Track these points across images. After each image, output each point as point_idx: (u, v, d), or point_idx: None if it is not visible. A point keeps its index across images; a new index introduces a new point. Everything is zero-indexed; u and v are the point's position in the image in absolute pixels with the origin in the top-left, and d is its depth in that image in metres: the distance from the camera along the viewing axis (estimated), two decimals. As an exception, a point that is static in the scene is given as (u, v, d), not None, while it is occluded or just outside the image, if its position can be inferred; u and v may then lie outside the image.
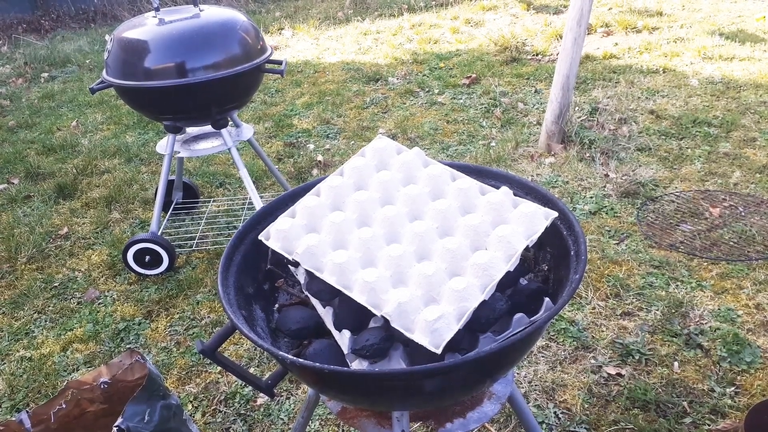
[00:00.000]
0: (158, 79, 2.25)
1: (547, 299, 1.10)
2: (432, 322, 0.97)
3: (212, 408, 1.93)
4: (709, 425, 1.72)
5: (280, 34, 6.16)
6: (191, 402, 1.95)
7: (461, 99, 4.14)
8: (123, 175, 3.46)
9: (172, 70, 2.24)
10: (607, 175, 3.00)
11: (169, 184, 2.89)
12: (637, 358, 1.96)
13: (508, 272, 1.07)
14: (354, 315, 1.10)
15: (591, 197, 2.85)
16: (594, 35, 5.09)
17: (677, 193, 2.84)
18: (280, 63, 2.50)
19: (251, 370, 2.05)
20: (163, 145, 2.56)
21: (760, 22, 4.96)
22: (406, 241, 1.13)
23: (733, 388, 1.82)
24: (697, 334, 2.02)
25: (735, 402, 1.78)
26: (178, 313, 2.35)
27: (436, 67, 4.79)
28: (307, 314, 1.19)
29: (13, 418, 1.45)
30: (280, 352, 0.95)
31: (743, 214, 2.65)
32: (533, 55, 4.84)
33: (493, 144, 3.47)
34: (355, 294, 1.05)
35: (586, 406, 1.82)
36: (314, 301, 1.18)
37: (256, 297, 1.22)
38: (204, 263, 2.63)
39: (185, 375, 2.06)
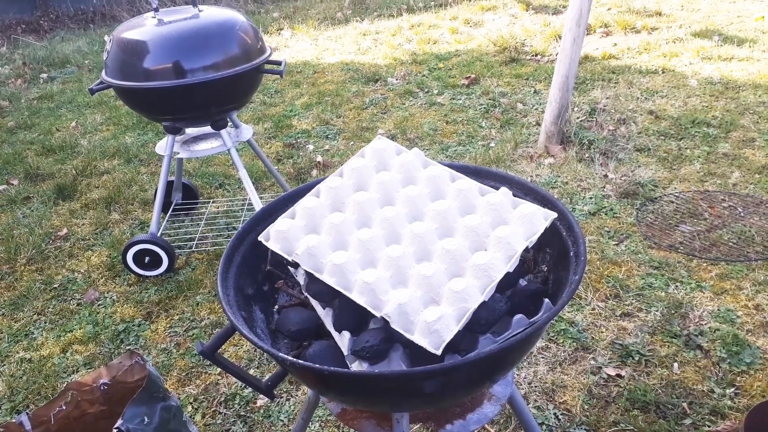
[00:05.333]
0: (157, 80, 2.25)
1: (546, 300, 1.10)
2: (432, 323, 0.97)
3: (212, 409, 1.93)
4: (708, 426, 1.72)
5: (279, 34, 6.16)
6: (191, 403, 1.95)
7: (460, 99, 4.14)
8: (122, 176, 3.46)
9: (171, 71, 2.24)
10: (606, 176, 3.00)
11: (169, 185, 2.89)
12: (636, 359, 1.96)
13: (508, 273, 1.07)
14: (354, 316, 1.10)
15: (590, 198, 2.85)
16: (593, 35, 5.10)
17: (676, 194, 2.84)
18: (279, 63, 2.50)
19: (251, 372, 2.05)
20: (163, 145, 2.56)
21: (759, 22, 4.97)
22: (405, 242, 1.13)
23: (732, 389, 1.82)
24: (696, 335, 2.02)
25: (735, 403, 1.78)
26: (177, 314, 2.35)
27: (435, 67, 4.79)
28: (307, 315, 1.19)
29: (13, 420, 1.45)
30: (280, 354, 0.95)
31: (742, 214, 2.65)
32: (532, 55, 4.84)
33: (492, 145, 3.47)
34: (354, 295, 1.05)
35: (586, 407, 1.82)
36: (314, 302, 1.18)
37: (255, 298, 1.22)
38: (203, 264, 2.63)
39: (185, 376, 2.06)
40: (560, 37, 3.61)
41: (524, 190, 1.27)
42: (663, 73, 4.22)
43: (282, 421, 1.86)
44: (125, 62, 2.29)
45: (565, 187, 2.96)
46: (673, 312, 2.13)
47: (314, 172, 3.35)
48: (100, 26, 7.32)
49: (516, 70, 4.55)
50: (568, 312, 2.18)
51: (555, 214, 1.14)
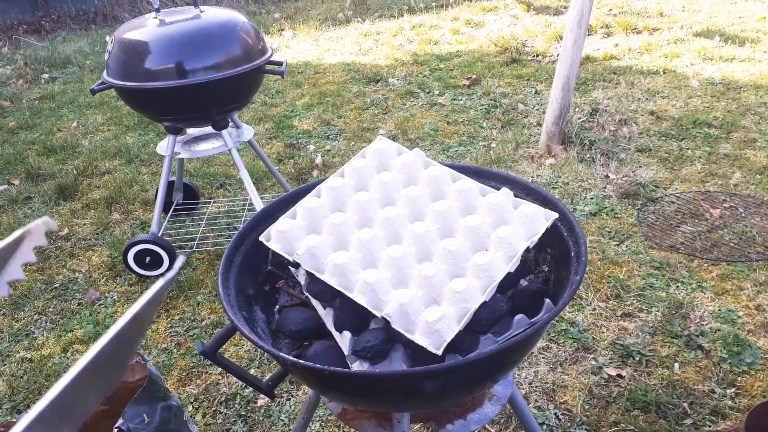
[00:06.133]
0: (159, 80, 2.25)
1: (547, 300, 1.10)
2: (433, 323, 0.97)
3: (213, 409, 1.93)
4: (709, 426, 1.72)
5: (280, 35, 6.16)
6: (192, 403, 1.95)
7: (461, 100, 4.14)
8: (123, 176, 3.46)
9: (173, 71, 2.24)
10: (607, 176, 3.00)
11: (170, 185, 2.89)
12: (637, 359, 1.96)
13: (509, 273, 1.07)
14: (354, 316, 1.10)
15: (591, 198, 2.85)
16: (594, 36, 5.09)
17: (678, 194, 2.84)
18: (280, 64, 2.50)
19: (252, 372, 2.05)
20: (164, 146, 2.56)
21: (761, 23, 4.96)
22: (406, 243, 1.13)
23: (733, 390, 1.82)
24: (697, 335, 2.02)
25: (735, 403, 1.78)
26: (178, 314, 2.35)
27: (436, 68, 4.79)
28: (308, 315, 1.19)
29: (14, 420, 1.45)
30: (281, 353, 0.95)
31: (743, 215, 2.65)
32: (533, 56, 4.84)
33: (493, 145, 3.47)
34: (355, 295, 1.05)
35: (587, 407, 1.81)
36: (315, 303, 1.18)
37: (256, 298, 1.22)
38: (204, 264, 2.63)
39: (186, 376, 2.06)
40: (561, 38, 3.61)
41: (525, 191, 1.27)
42: (664, 73, 4.22)
43: (282, 420, 1.86)
44: (127, 63, 2.29)
45: (566, 188, 2.96)
46: (673, 312, 2.13)
47: (315, 173, 3.35)
48: (102, 27, 7.33)
49: (517, 70, 4.55)
50: (569, 312, 2.17)
51: (556, 215, 1.14)
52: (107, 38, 2.54)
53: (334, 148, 3.63)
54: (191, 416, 1.90)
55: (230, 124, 2.62)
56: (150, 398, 1.35)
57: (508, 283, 1.09)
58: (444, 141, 3.58)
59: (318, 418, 1.85)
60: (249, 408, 1.92)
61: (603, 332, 2.08)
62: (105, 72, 2.38)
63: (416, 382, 0.97)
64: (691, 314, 2.11)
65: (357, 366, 1.06)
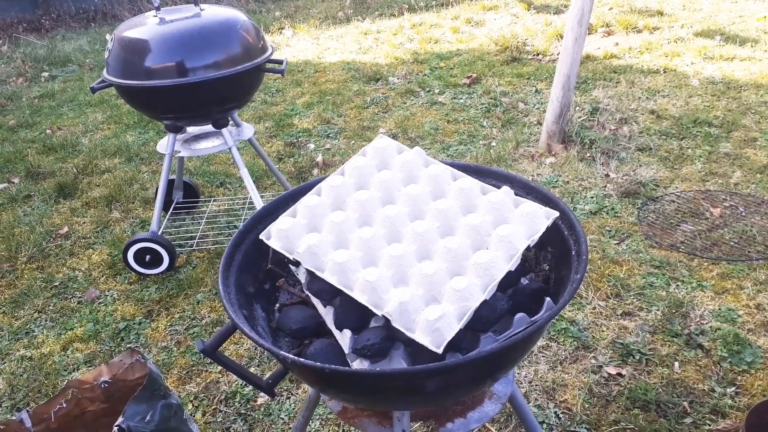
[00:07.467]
0: (159, 79, 2.25)
1: (548, 299, 1.10)
2: (433, 321, 0.97)
3: (213, 407, 1.93)
4: (709, 425, 1.72)
5: (280, 33, 6.15)
6: (192, 401, 1.95)
7: (462, 99, 4.13)
8: (123, 174, 3.46)
9: (173, 70, 2.24)
10: (607, 175, 3.00)
11: (170, 183, 2.89)
12: (637, 358, 1.96)
13: (510, 272, 1.07)
14: (355, 314, 1.10)
15: (591, 197, 2.85)
16: (595, 35, 5.09)
17: (678, 193, 2.84)
18: (280, 62, 2.50)
19: (252, 370, 2.05)
20: (164, 144, 2.56)
21: (761, 22, 4.96)
22: (407, 241, 1.13)
23: (733, 389, 1.82)
24: (697, 334, 2.02)
25: (735, 402, 1.78)
26: (178, 312, 2.35)
27: (436, 66, 4.79)
28: (308, 314, 1.19)
29: (14, 418, 1.45)
30: (281, 352, 0.95)
31: (744, 214, 2.65)
32: (534, 54, 4.84)
33: (493, 144, 3.47)
34: (356, 293, 1.05)
35: (587, 406, 1.81)
36: (315, 301, 1.18)
37: (256, 296, 1.22)
38: (204, 263, 2.63)
39: (186, 374, 2.06)
40: (562, 37, 3.60)
41: (526, 189, 1.27)
42: (665, 72, 4.22)
43: (282, 419, 1.86)
44: (127, 61, 2.29)
45: (567, 187, 2.96)
46: (674, 311, 2.13)
47: (315, 171, 3.35)
48: (102, 25, 7.32)
49: (517, 69, 4.55)
50: (569, 311, 2.17)
51: (557, 213, 1.14)
52: (107, 36, 2.54)
53: (335, 147, 3.63)
54: (191, 414, 1.90)
55: (230, 122, 2.62)
56: (150, 396, 1.35)
57: (508, 281, 1.09)
58: (444, 140, 3.58)
59: (318, 417, 1.85)
60: (249, 406, 1.92)
61: (603, 331, 2.08)
62: (105, 70, 2.38)
63: (417, 381, 0.97)
64: (691, 313, 2.11)
65: (357, 364, 1.06)
